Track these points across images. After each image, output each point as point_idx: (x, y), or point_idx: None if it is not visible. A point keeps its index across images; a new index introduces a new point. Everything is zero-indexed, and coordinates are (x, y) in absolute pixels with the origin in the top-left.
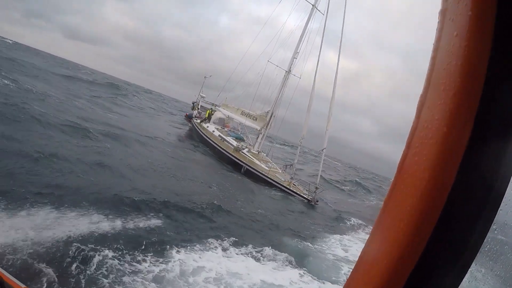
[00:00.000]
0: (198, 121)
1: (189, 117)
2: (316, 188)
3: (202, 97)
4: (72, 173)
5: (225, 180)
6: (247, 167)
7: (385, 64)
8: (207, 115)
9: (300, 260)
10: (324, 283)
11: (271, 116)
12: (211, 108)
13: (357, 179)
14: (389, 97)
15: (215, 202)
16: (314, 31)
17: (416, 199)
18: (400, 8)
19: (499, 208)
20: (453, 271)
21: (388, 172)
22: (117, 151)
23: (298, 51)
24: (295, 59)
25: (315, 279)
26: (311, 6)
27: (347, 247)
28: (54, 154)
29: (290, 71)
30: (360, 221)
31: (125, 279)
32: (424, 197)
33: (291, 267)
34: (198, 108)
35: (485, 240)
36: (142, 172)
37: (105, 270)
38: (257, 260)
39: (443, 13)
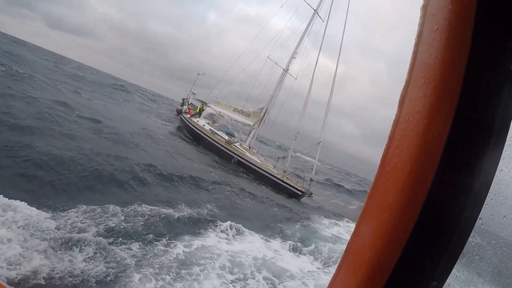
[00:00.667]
0: (188, 116)
1: (178, 112)
2: (311, 180)
3: (194, 93)
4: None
5: (217, 171)
6: (238, 158)
7: (371, 70)
8: (197, 110)
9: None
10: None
11: (265, 112)
12: (202, 104)
13: (339, 182)
14: (374, 101)
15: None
16: (306, 33)
17: (397, 191)
18: (390, 16)
19: (485, 202)
20: (437, 265)
21: (372, 175)
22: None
23: (297, 51)
24: (293, 59)
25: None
26: (313, 11)
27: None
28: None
29: (287, 69)
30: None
31: (147, 261)
32: (406, 190)
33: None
34: (188, 104)
35: (470, 238)
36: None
37: (125, 254)
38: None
39: (424, 8)
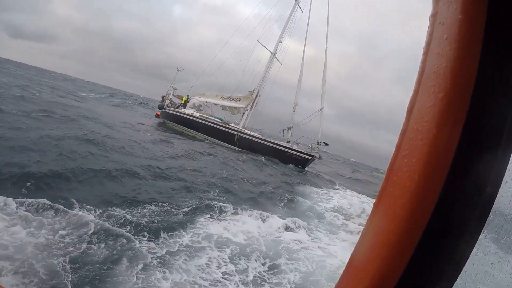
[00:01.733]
0: (172, 109)
1: (160, 108)
2: (318, 143)
3: (174, 89)
4: None
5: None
6: (240, 134)
7: (342, 51)
8: (182, 102)
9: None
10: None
11: (257, 95)
12: (187, 95)
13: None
14: (346, 81)
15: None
16: (273, 19)
17: (406, 200)
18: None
19: (490, 213)
20: (444, 272)
21: (347, 153)
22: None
23: (283, 36)
24: (280, 43)
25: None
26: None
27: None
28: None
29: (275, 53)
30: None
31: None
32: (414, 199)
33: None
34: (169, 99)
35: (476, 243)
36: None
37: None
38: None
39: (433, 17)
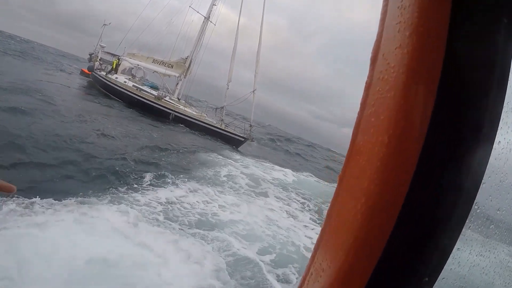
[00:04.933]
0: (103, 73)
1: (89, 70)
2: (251, 126)
3: (102, 47)
4: None
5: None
6: (175, 113)
7: (272, 22)
8: (113, 66)
9: None
10: None
11: (190, 62)
12: (118, 58)
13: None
14: (273, 52)
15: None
16: None
17: (373, 171)
18: None
19: (482, 181)
20: (426, 260)
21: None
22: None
23: None
24: (214, 6)
25: None
26: None
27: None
28: None
29: (209, 17)
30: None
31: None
32: (385, 169)
33: None
34: (98, 60)
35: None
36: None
37: None
38: None
39: None
